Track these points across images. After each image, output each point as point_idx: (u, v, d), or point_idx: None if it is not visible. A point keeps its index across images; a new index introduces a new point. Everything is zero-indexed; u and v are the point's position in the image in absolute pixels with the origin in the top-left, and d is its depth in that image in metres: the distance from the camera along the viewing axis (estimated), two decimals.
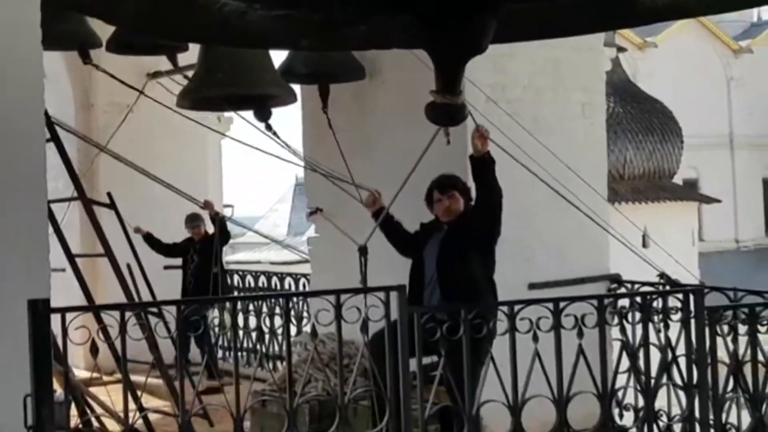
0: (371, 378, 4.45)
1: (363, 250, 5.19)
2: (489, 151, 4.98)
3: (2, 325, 4.17)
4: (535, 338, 4.22)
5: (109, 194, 7.41)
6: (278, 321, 8.53)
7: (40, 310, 3.55)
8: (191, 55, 7.26)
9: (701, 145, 25.32)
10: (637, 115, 19.33)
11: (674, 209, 19.75)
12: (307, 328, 6.81)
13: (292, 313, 5.55)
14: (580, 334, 4.31)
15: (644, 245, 12.24)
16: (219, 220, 8.70)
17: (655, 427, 4.69)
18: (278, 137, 6.77)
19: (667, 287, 5.77)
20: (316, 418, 5.74)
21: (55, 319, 3.64)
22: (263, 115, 6.60)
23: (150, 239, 8.88)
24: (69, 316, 3.67)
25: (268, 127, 6.65)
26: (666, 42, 27.36)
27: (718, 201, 22.58)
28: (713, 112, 28.00)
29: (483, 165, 4.97)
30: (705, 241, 25.11)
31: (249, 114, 6.89)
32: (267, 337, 8.92)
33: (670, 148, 19.65)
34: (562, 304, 4.29)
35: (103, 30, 6.97)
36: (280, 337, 8.51)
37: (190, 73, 7.12)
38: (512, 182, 5.34)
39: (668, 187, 19.97)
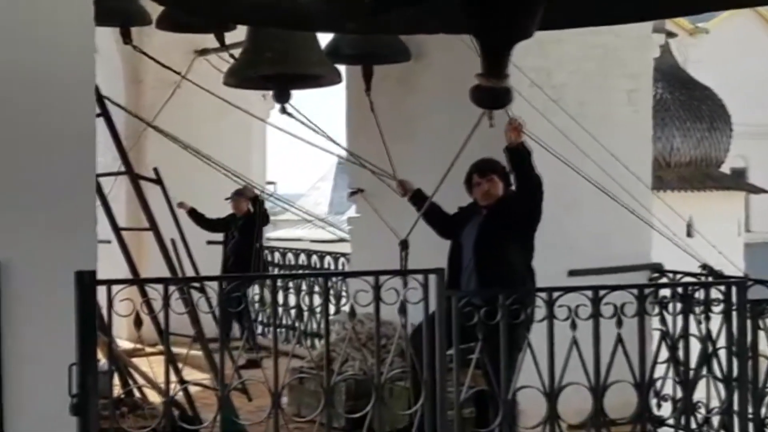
0: (408, 360, 4.49)
1: (404, 244, 5.20)
2: (524, 142, 4.98)
3: (50, 296, 4.27)
4: (573, 326, 4.22)
5: (155, 169, 7.51)
6: (317, 299, 8.64)
7: (86, 282, 3.63)
8: (239, 33, 7.31)
9: (751, 133, 24.90)
10: (685, 102, 19.06)
11: (721, 198, 19.48)
12: (346, 308, 6.88)
13: (331, 292, 5.64)
14: (619, 323, 4.30)
15: (689, 235, 12.11)
16: (259, 203, 8.80)
17: (692, 419, 4.68)
18: (298, 119, 6.73)
19: (710, 278, 5.72)
20: (353, 396, 5.80)
21: (101, 291, 3.72)
22: (282, 98, 6.57)
23: (194, 214, 9.00)
24: (114, 288, 3.75)
25: (283, 110, 6.61)
26: (717, 28, 26.91)
27: (767, 191, 22.23)
28: (764, 100, 27.51)
29: (519, 156, 4.97)
30: (752, 232, 24.75)
31: (296, 93, 6.88)
32: (306, 315, 9.00)
33: (718, 136, 19.36)
34: (601, 293, 4.29)
35: (154, 7, 7.04)
36: (318, 316, 8.58)
37: (237, 52, 7.17)
38: (555, 169, 5.33)
39: (715, 175, 19.69)
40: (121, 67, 9.81)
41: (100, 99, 5.99)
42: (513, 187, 5.29)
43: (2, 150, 4.43)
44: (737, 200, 20.84)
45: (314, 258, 9.51)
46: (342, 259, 8.89)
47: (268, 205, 9.43)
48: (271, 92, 9.47)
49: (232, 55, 7.04)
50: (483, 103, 2.55)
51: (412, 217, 5.53)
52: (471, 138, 5.11)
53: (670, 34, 19.73)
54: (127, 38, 7.42)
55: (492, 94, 2.44)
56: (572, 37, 6.06)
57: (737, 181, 22.75)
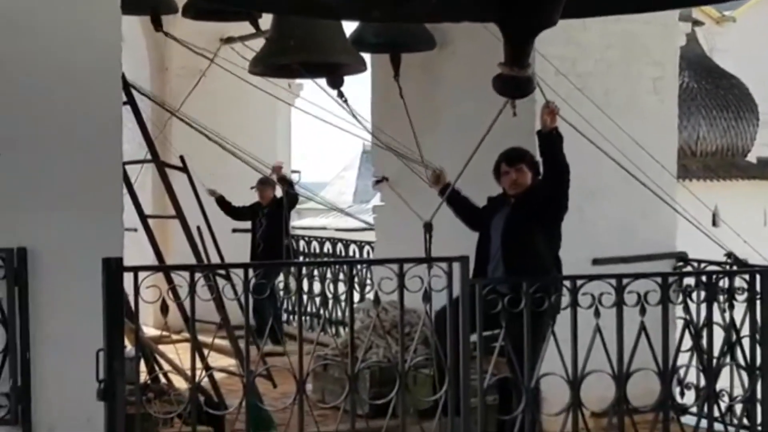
0: (432, 347, 4.51)
1: (428, 227, 5.21)
2: (557, 127, 4.97)
3: (78, 282, 4.33)
4: (597, 314, 4.22)
5: (181, 157, 7.56)
6: (342, 287, 8.68)
7: (113, 268, 3.67)
8: (264, 21, 7.34)
9: None
10: (711, 90, 18.91)
11: (747, 188, 19.33)
12: (371, 296, 6.90)
13: (356, 280, 5.67)
14: (643, 311, 4.30)
15: (714, 224, 12.03)
16: (287, 183, 8.82)
17: (716, 407, 4.67)
18: (349, 106, 6.80)
19: (734, 267, 5.70)
20: (377, 383, 5.84)
21: (128, 278, 3.76)
22: (336, 83, 6.65)
23: (222, 202, 9.06)
24: (141, 275, 3.78)
25: (340, 95, 6.68)
26: (744, 17, 26.61)
27: None
28: None
29: (550, 141, 4.97)
30: None
31: (321, 81, 6.93)
32: (330, 302, 9.05)
33: (744, 125, 19.21)
34: (625, 281, 4.29)
35: None
36: (343, 303, 8.62)
37: (262, 40, 7.20)
38: (580, 157, 5.31)
39: (741, 165, 19.54)
40: (147, 55, 9.87)
41: (127, 87, 6.03)
42: (541, 177, 5.28)
43: (30, 139, 4.50)
44: (763, 189, 20.64)
45: (339, 246, 9.56)
46: (367, 248, 8.92)
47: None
48: (296, 80, 9.52)
49: (267, 39, 7.06)
50: (505, 92, 2.56)
51: (437, 203, 5.54)
52: (497, 126, 5.10)
53: (697, 23, 19.58)
54: (158, 25, 7.47)
55: (514, 83, 2.46)
56: (597, 25, 6.04)
57: (763, 170, 22.52)
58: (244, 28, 8.02)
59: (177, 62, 9.61)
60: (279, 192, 9.00)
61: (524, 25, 2.43)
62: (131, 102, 6.28)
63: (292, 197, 8.90)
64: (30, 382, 4.39)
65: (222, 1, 4.56)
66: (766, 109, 20.44)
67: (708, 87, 19.02)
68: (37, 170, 4.49)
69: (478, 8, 2.53)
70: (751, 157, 20.69)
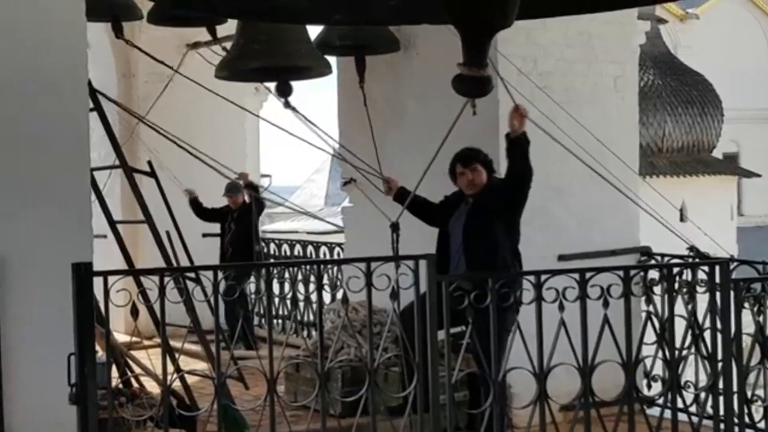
0: (401, 345, 4.57)
1: (395, 227, 5.30)
2: (525, 132, 5.05)
3: (48, 288, 4.35)
4: (561, 308, 4.29)
5: (149, 162, 7.58)
6: (312, 289, 8.72)
7: (83, 273, 3.69)
8: (230, 26, 7.37)
9: (742, 118, 25.00)
10: (676, 87, 19.15)
11: (713, 183, 19.59)
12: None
13: (325, 280, 5.71)
14: (606, 305, 4.37)
15: (681, 219, 12.21)
16: (254, 189, 8.84)
17: (680, 397, 4.76)
18: (300, 114, 6.82)
19: (696, 260, 5.81)
20: (348, 382, 5.89)
21: (98, 283, 3.78)
22: (284, 91, 6.65)
23: (195, 203, 9.07)
24: (111, 279, 3.80)
25: (287, 104, 6.69)
26: (708, 13, 26.97)
27: (759, 175, 22.32)
28: (755, 85, 27.57)
29: (518, 144, 5.05)
30: (744, 216, 24.86)
31: (274, 89, 6.94)
32: (302, 304, 9.08)
33: (709, 121, 19.47)
34: (588, 275, 4.36)
35: (144, 2, 7.10)
36: (314, 305, 8.66)
37: (228, 45, 7.24)
38: (544, 155, 5.41)
39: (707, 160, 19.79)
40: (114, 61, 9.86)
41: (93, 94, 6.05)
42: (497, 174, 5.37)
43: None
44: (730, 185, 20.95)
45: (309, 248, 9.60)
46: (337, 249, 8.97)
47: (266, 196, 9.48)
48: (262, 84, 9.55)
49: (224, 48, 7.11)
50: (464, 92, 2.63)
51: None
52: (460, 126, 5.18)
53: (660, 20, 19.80)
54: (119, 32, 7.48)
55: (473, 83, 2.53)
56: (557, 25, 6.14)
57: (729, 165, 22.85)
58: None
59: (144, 68, 9.61)
60: (248, 197, 9.03)
61: (480, 26, 2.50)
62: (98, 108, 6.30)
63: (259, 203, 8.93)
64: (2, 388, 4.40)
65: (186, 7, 4.60)
66: (731, 104, 20.74)
67: (673, 84, 19.26)
68: (4, 178, 4.50)
69: (435, 10, 2.60)
70: (717, 153, 20.96)
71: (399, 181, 5.78)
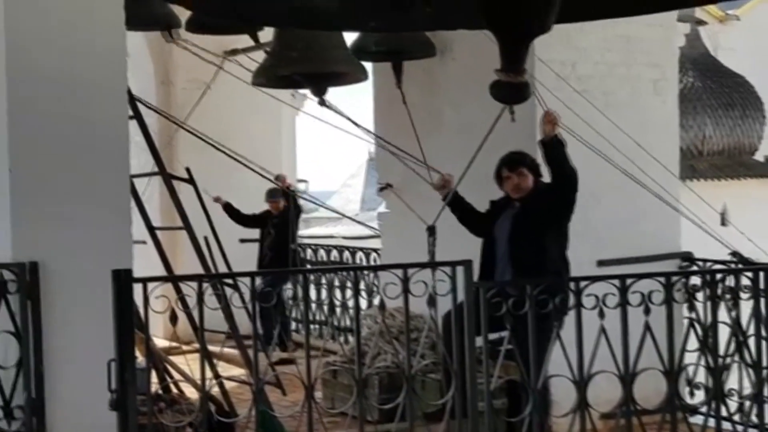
0: (439, 352, 4.55)
1: (431, 230, 5.27)
2: (558, 134, 5.01)
3: (89, 294, 4.39)
4: (601, 314, 4.25)
5: (187, 169, 7.63)
6: (349, 294, 8.72)
7: (122, 280, 3.71)
8: (266, 33, 7.41)
9: None
10: (717, 89, 18.91)
11: (755, 186, 19.30)
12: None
13: (361, 286, 5.72)
14: (647, 311, 4.32)
15: (723, 223, 12.04)
16: (291, 194, 8.87)
17: (724, 406, 4.68)
18: (339, 112, 6.85)
19: (739, 266, 5.72)
20: (386, 389, 5.87)
21: (137, 289, 3.80)
22: (320, 91, 6.69)
23: (229, 209, 9.10)
24: (150, 285, 3.82)
25: (322, 103, 6.73)
26: (748, 15, 26.61)
27: None
28: None
29: (553, 148, 5.01)
30: None
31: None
32: (339, 310, 9.09)
33: (751, 123, 19.18)
34: (628, 281, 4.31)
35: (183, 10, 7.15)
36: (351, 310, 8.66)
37: (269, 48, 7.26)
38: (583, 159, 5.35)
39: (749, 163, 19.51)
40: (152, 68, 9.96)
41: (133, 101, 6.10)
42: (543, 179, 5.32)
43: (39, 153, 4.56)
44: None
45: (346, 254, 9.60)
46: (373, 255, 8.97)
47: (303, 202, 9.52)
48: (299, 90, 9.59)
49: (266, 51, 7.14)
50: (502, 98, 2.61)
51: (440, 208, 5.58)
52: (498, 131, 5.15)
53: (700, 22, 19.59)
54: (171, 36, 7.58)
55: (510, 89, 2.50)
56: (596, 29, 6.09)
57: None
58: (248, 40, 8.10)
59: (182, 76, 9.70)
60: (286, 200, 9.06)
61: (517, 32, 2.48)
62: (137, 116, 6.35)
63: (297, 206, 8.95)
64: (44, 395, 4.44)
65: (223, 16, 4.63)
66: None
67: (713, 86, 19.02)
68: (46, 185, 4.55)
69: (471, 16, 2.58)
70: (759, 156, 20.66)
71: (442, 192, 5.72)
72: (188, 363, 5.85)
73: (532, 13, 2.49)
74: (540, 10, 2.51)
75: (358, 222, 11.35)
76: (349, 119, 6.87)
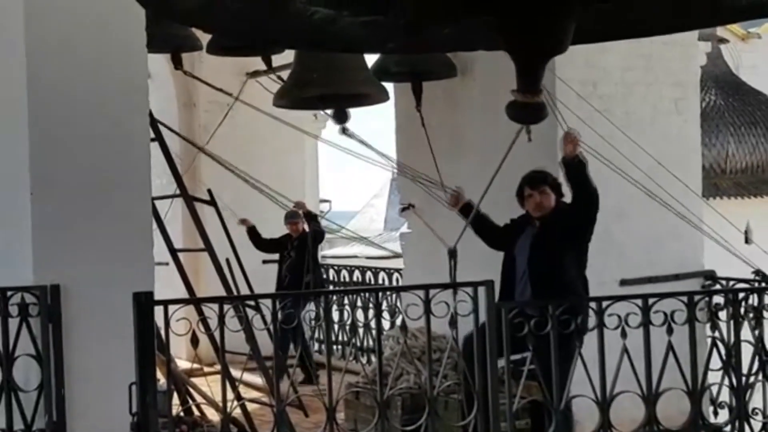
0: (461, 373, 4.53)
1: (452, 253, 5.24)
2: (580, 154, 5.00)
3: (110, 317, 4.41)
4: (624, 334, 4.23)
5: (209, 191, 7.66)
6: (371, 315, 8.69)
7: (143, 302, 3.73)
8: (288, 54, 7.45)
9: None
10: (739, 107, 18.79)
11: None
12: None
13: (383, 306, 5.69)
14: (670, 331, 4.29)
15: (747, 242, 11.91)
16: (312, 218, 8.86)
17: (748, 425, 4.63)
18: (356, 138, 6.86)
19: (763, 284, 5.67)
20: (408, 410, 5.84)
21: (159, 312, 3.82)
22: (341, 118, 6.71)
23: (252, 233, 9.11)
24: (171, 308, 3.84)
25: (344, 131, 6.75)
26: None
27: None
28: None
29: (575, 168, 5.01)
30: None
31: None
32: (361, 330, 9.07)
33: None
34: (651, 301, 4.29)
35: (204, 33, 7.21)
36: (373, 331, 8.63)
37: (286, 72, 7.31)
38: (604, 178, 5.34)
39: None
40: (174, 91, 10.02)
41: (154, 123, 6.15)
42: (565, 198, 5.30)
43: (61, 176, 4.60)
44: None
45: (368, 274, 9.59)
46: (396, 275, 8.95)
47: (323, 223, 9.51)
48: (321, 111, 9.62)
49: (279, 77, 7.19)
50: (518, 118, 2.60)
51: (461, 229, 5.57)
52: (518, 151, 5.14)
53: (722, 41, 19.51)
54: (178, 64, 7.62)
55: (527, 110, 2.50)
56: (617, 48, 6.07)
57: None
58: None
59: (204, 97, 9.75)
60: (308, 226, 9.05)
61: (532, 53, 2.47)
62: (159, 138, 6.39)
63: (318, 233, 8.93)
64: (65, 417, 4.45)
65: (243, 38, 4.67)
66: None
67: (735, 104, 18.91)
68: (68, 208, 4.59)
69: (490, 36, 2.58)
70: None
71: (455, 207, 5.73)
72: (209, 385, 5.86)
73: (547, 33, 2.48)
74: (555, 30, 2.50)
75: (376, 245, 11.33)
76: (368, 146, 6.88)
